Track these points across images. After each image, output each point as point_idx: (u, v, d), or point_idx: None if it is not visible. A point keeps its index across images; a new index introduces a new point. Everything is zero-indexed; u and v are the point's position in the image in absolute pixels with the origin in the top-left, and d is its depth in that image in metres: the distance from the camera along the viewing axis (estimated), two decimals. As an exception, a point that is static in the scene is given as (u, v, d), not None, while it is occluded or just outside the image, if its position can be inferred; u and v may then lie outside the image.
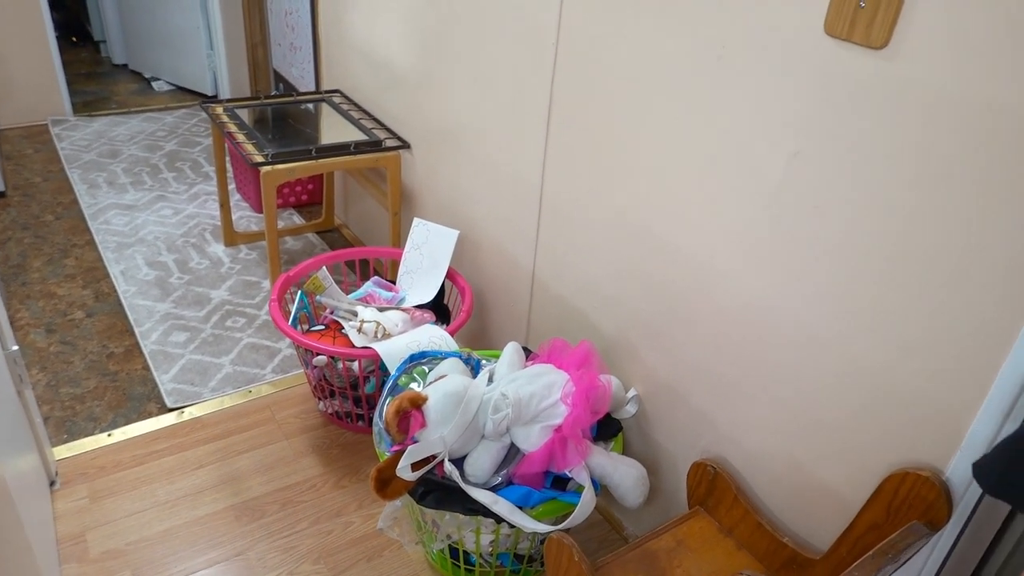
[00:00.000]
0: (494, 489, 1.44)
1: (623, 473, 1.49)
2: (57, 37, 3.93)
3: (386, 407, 1.51)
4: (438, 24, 2.10)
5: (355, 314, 2.01)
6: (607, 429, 1.61)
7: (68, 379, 2.21)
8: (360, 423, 2.05)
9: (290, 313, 2.06)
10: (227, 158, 2.93)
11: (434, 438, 1.42)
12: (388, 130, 2.52)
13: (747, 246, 1.32)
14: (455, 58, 2.06)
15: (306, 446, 2.01)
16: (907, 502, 1.12)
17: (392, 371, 1.72)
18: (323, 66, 3.04)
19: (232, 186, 3.33)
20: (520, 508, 1.41)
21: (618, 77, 1.51)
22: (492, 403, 1.46)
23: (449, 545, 1.57)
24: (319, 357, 1.91)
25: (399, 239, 2.51)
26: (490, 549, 1.55)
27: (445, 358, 1.68)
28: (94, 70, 4.76)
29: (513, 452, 1.49)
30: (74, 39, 5.18)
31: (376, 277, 2.23)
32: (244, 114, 2.62)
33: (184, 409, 2.11)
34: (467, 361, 1.69)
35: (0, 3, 3.65)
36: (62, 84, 3.96)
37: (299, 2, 3.24)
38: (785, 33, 1.17)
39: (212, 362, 2.29)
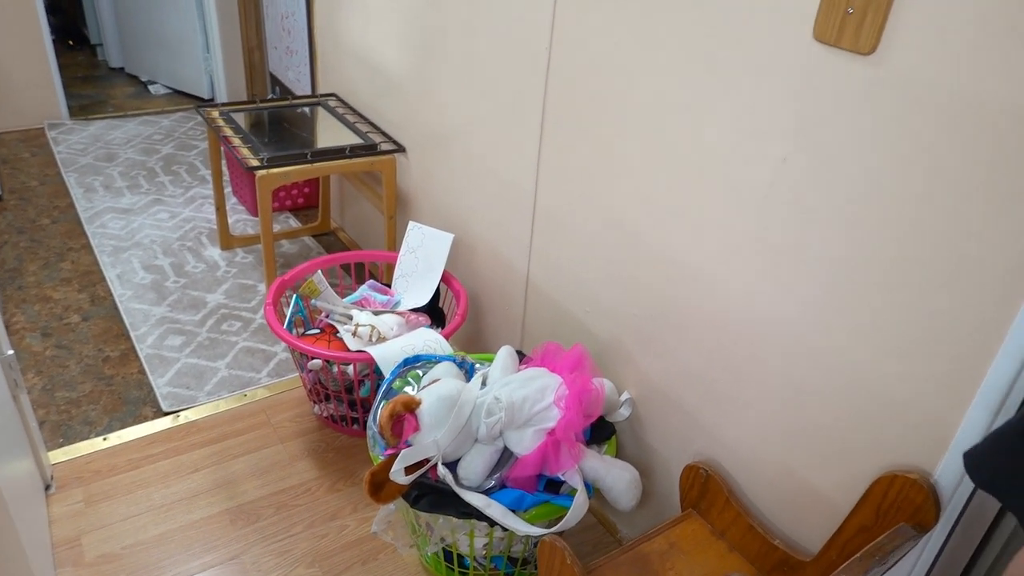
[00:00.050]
0: (487, 492, 1.45)
1: (616, 476, 1.50)
2: (54, 41, 3.94)
3: (380, 411, 1.52)
4: (433, 29, 2.11)
5: (350, 318, 2.01)
6: (600, 432, 1.62)
7: (64, 383, 2.21)
8: (355, 427, 2.06)
9: (285, 317, 2.07)
10: (223, 162, 2.93)
11: (428, 442, 1.43)
12: (383, 134, 2.53)
13: (737, 251, 1.33)
14: (449, 62, 2.06)
15: (301, 450, 2.02)
16: (896, 505, 1.13)
17: (386, 375, 1.73)
18: (319, 70, 3.04)
19: (228, 189, 3.33)
20: (513, 511, 1.41)
21: (610, 83, 1.51)
22: (485, 407, 1.47)
23: (443, 548, 1.58)
24: (314, 361, 1.92)
25: (395, 243, 2.51)
26: (484, 552, 1.55)
27: (439, 362, 1.68)
28: (91, 73, 4.76)
29: (506, 456, 1.50)
30: (71, 43, 5.18)
31: (371, 281, 2.24)
32: (240, 118, 2.63)
33: (179, 413, 2.11)
34: (461, 365, 1.69)
35: (-4, 7, 3.66)
36: (58, 88, 3.96)
37: (295, 6, 3.25)
38: (775, 39, 1.17)
39: (208, 366, 2.29)
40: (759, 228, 1.28)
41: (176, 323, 2.48)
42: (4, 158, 3.58)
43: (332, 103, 2.81)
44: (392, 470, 1.40)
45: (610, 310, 1.68)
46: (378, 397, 1.64)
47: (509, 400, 1.45)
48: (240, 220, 3.15)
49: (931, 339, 1.07)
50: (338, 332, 1.97)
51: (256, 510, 1.83)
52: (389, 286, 2.23)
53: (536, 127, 1.76)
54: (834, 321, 1.20)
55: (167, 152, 3.74)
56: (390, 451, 1.47)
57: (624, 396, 1.67)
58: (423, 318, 2.08)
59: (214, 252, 2.90)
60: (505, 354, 1.62)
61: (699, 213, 1.39)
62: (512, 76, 1.81)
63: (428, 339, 1.89)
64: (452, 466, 1.48)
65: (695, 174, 1.37)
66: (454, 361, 1.69)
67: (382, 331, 1.94)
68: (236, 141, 2.43)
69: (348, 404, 2.01)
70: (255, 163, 2.29)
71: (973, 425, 1.04)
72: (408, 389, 1.64)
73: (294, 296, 2.09)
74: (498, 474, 1.47)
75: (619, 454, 1.71)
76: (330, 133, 2.59)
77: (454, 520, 1.46)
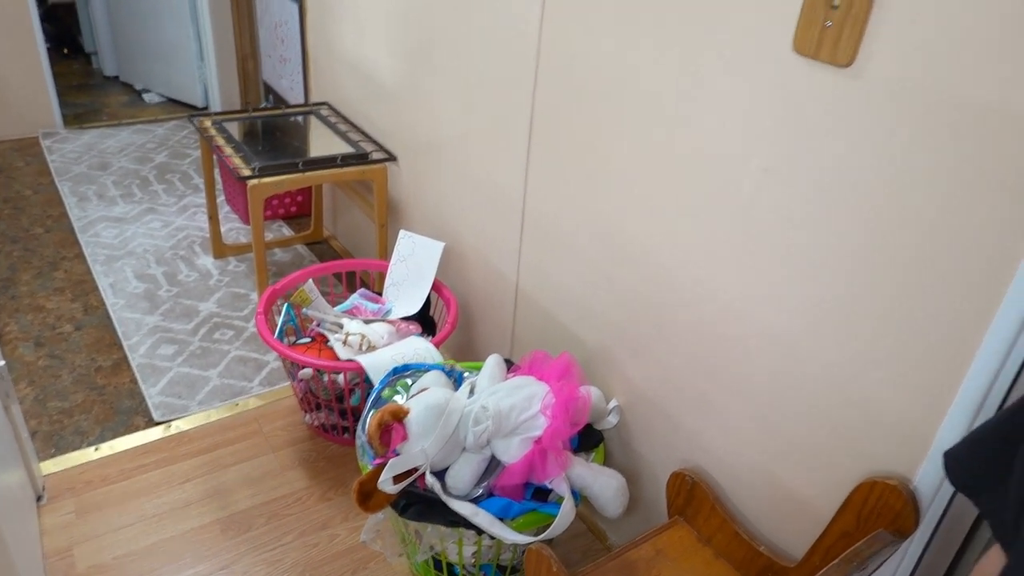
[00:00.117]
0: (475, 501, 1.46)
1: (603, 484, 1.51)
2: (49, 49, 3.95)
3: (369, 420, 1.53)
4: (423, 39, 2.13)
5: (341, 326, 2.02)
6: (588, 440, 1.63)
7: (56, 393, 2.22)
8: (346, 435, 2.07)
9: (277, 326, 2.08)
10: (216, 171, 2.94)
11: (415, 451, 1.44)
12: (375, 142, 2.55)
13: (721, 260, 1.34)
14: (440, 72, 2.08)
15: (292, 459, 2.03)
16: (876, 511, 1.14)
17: (376, 384, 1.74)
18: (312, 79, 3.06)
19: (221, 198, 3.34)
20: (501, 519, 1.42)
21: (597, 95, 1.53)
22: (473, 416, 1.48)
23: (432, 557, 1.59)
24: (304, 370, 1.93)
25: (386, 251, 2.53)
26: (473, 560, 1.56)
27: (428, 371, 1.69)
28: (85, 82, 4.77)
29: (494, 464, 1.51)
30: (66, 51, 5.20)
31: (363, 289, 2.25)
32: (232, 127, 2.64)
33: (171, 423, 2.12)
34: (450, 373, 1.70)
35: (-10, 17, 3.68)
36: (53, 97, 3.98)
37: (288, 15, 3.26)
38: (757, 52, 1.19)
39: (200, 375, 2.30)
40: (742, 238, 1.29)
41: (168, 332, 2.49)
42: (-2, 167, 3.59)
43: (324, 112, 2.83)
44: (380, 479, 1.41)
45: (598, 318, 1.69)
46: (367, 406, 1.65)
47: (496, 409, 1.46)
48: (233, 228, 3.16)
49: (909, 346, 1.08)
50: (329, 341, 1.98)
51: (247, 520, 1.84)
52: (381, 294, 2.24)
53: (524, 137, 1.77)
54: (815, 329, 1.21)
55: (160, 161, 3.75)
56: (379, 460, 1.48)
57: (612, 404, 1.68)
58: (414, 326, 2.09)
59: (207, 261, 2.91)
60: (493, 363, 1.63)
61: (684, 223, 1.40)
62: (500, 86, 1.82)
63: (418, 347, 1.90)
64: (440, 475, 1.49)
65: (681, 184, 1.39)
66: (443, 370, 1.70)
67: (372, 340, 1.95)
68: (228, 150, 2.44)
69: (339, 413, 2.02)
70: (247, 172, 2.30)
71: (951, 431, 1.06)
72: (397, 398, 1.65)
73: (285, 305, 2.10)
74: (486, 483, 1.48)
75: (607, 461, 1.72)
76: (322, 142, 2.60)
77: (442, 529, 1.47)
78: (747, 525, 1.43)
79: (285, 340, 2.06)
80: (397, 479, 1.43)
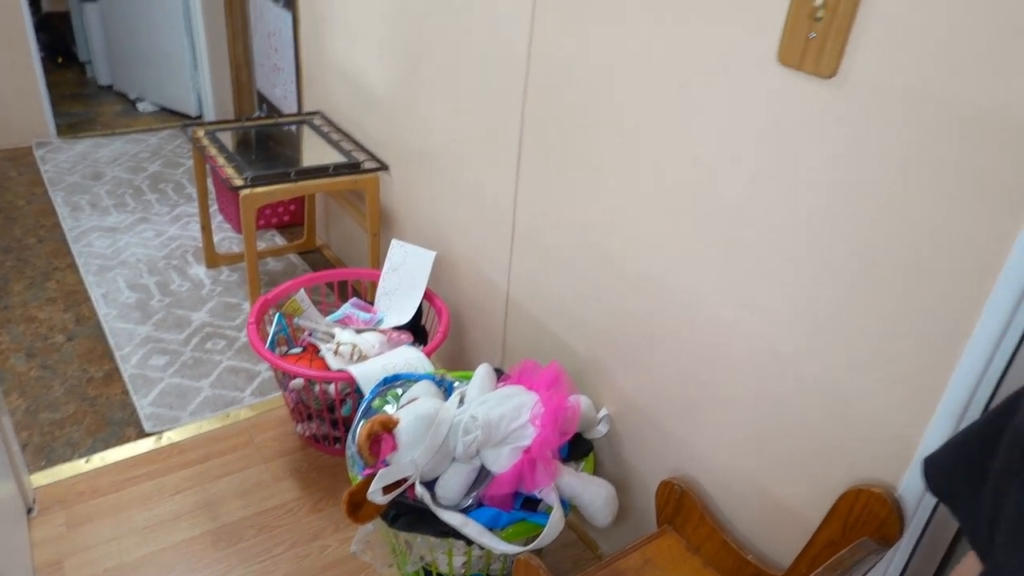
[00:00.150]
0: (465, 511, 1.46)
1: (592, 493, 1.51)
2: (43, 58, 3.95)
3: (359, 431, 1.53)
4: (414, 50, 2.13)
5: (332, 336, 2.02)
6: (578, 449, 1.63)
7: (47, 404, 2.21)
8: (337, 446, 2.07)
9: (268, 335, 2.08)
10: (209, 180, 2.94)
11: (405, 461, 1.44)
12: (367, 152, 2.55)
13: (709, 269, 1.35)
14: (430, 82, 2.09)
15: (284, 470, 2.03)
16: (861, 519, 1.14)
17: (366, 394, 1.74)
18: (304, 88, 3.06)
19: (215, 207, 3.35)
20: (490, 530, 1.43)
21: (586, 106, 1.54)
22: (462, 425, 1.48)
23: (423, 567, 1.59)
24: (295, 380, 1.93)
25: (378, 260, 2.53)
26: (463, 570, 1.56)
27: (418, 380, 1.70)
28: (79, 91, 4.77)
29: (484, 474, 1.51)
30: (60, 60, 5.20)
31: (355, 298, 2.25)
32: (225, 137, 2.64)
33: (162, 434, 2.12)
34: (440, 383, 1.71)
35: (-17, 28, 3.68)
36: (46, 106, 3.98)
37: (281, 24, 3.27)
38: (742, 63, 1.20)
39: (191, 385, 2.30)
40: (729, 248, 1.30)
41: (160, 342, 2.49)
42: (-9, 178, 3.59)
43: (317, 121, 2.83)
44: (370, 490, 1.41)
45: (589, 328, 1.69)
46: (358, 416, 1.66)
47: (486, 418, 1.46)
48: (226, 238, 3.16)
49: (893, 355, 1.09)
50: (320, 351, 1.98)
51: (238, 531, 1.83)
52: (373, 304, 2.24)
53: (514, 148, 1.78)
54: (802, 338, 1.21)
55: (154, 170, 3.76)
56: (368, 471, 1.49)
57: (602, 413, 1.69)
58: (405, 336, 2.09)
59: (199, 270, 2.91)
60: (483, 372, 1.63)
61: (672, 233, 1.41)
62: (490, 98, 1.83)
63: (409, 357, 1.90)
64: (430, 485, 1.49)
65: (668, 195, 1.40)
66: (433, 379, 1.70)
67: (363, 349, 1.95)
68: (221, 160, 2.45)
69: (331, 423, 2.02)
70: (239, 182, 2.30)
71: (935, 439, 1.06)
72: (388, 408, 1.66)
73: (276, 315, 2.10)
74: (475, 492, 1.48)
75: (597, 470, 1.72)
76: (314, 151, 2.61)
77: (432, 539, 1.47)
78: (736, 534, 1.43)
79: (277, 350, 2.06)
80: (387, 489, 1.43)
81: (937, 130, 0.97)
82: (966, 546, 1.14)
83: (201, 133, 2.64)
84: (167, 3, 4.07)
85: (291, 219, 3.34)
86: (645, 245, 1.47)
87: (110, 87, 4.81)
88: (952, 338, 1.02)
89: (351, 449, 1.57)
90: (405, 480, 1.45)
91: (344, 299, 2.27)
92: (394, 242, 2.23)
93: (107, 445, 2.08)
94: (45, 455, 2.03)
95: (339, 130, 2.74)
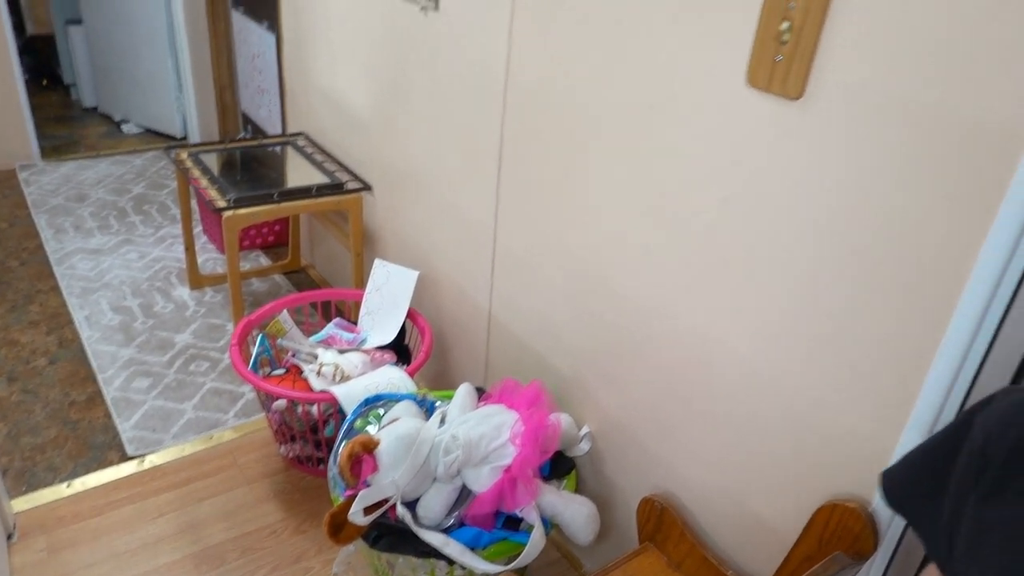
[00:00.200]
0: (446, 531, 1.46)
1: (574, 511, 1.52)
2: (27, 81, 3.95)
3: (340, 452, 1.54)
4: (394, 72, 2.16)
5: (316, 357, 2.03)
6: (560, 467, 1.64)
7: (29, 428, 2.20)
8: (321, 467, 2.06)
9: (251, 357, 2.08)
10: (193, 201, 2.95)
11: (386, 482, 1.44)
12: (350, 172, 2.57)
13: (686, 289, 1.37)
14: (411, 104, 2.11)
15: (267, 491, 2.02)
16: (836, 534, 1.15)
17: (348, 414, 1.74)
18: (288, 109, 3.08)
19: (199, 228, 3.35)
20: (472, 549, 1.43)
21: (563, 127, 1.56)
22: (443, 445, 1.48)
23: (406, 588, 1.58)
24: (278, 401, 1.93)
25: (362, 280, 2.54)
26: (446, 591, 1.56)
27: (400, 400, 1.70)
28: (64, 113, 4.78)
29: (466, 493, 1.52)
30: (44, 83, 5.20)
31: (338, 319, 2.26)
32: (208, 159, 2.65)
33: (145, 457, 2.11)
34: (421, 403, 1.71)
35: (-34, 51, 3.68)
36: (30, 129, 3.97)
37: (265, 46, 3.29)
38: (713, 86, 1.22)
39: (174, 408, 2.29)
40: (704, 266, 1.32)
41: (144, 364, 2.48)
42: (-26, 201, 3.58)
43: (301, 142, 2.85)
44: (351, 511, 1.41)
45: (570, 346, 1.71)
46: (339, 437, 1.66)
47: (466, 438, 1.47)
48: (210, 259, 3.16)
49: (865, 370, 1.11)
50: (303, 372, 1.99)
51: (221, 554, 1.82)
52: (356, 323, 2.25)
53: (494, 168, 1.80)
54: (777, 356, 1.23)
55: (138, 192, 3.76)
56: (350, 492, 1.49)
57: (584, 431, 1.69)
58: (388, 356, 2.09)
59: (183, 292, 2.91)
60: (464, 392, 1.64)
61: (650, 252, 1.43)
62: (470, 120, 1.85)
63: (392, 377, 1.90)
64: (412, 505, 1.49)
65: (645, 214, 1.41)
66: (414, 399, 1.71)
67: (346, 370, 1.95)
68: (204, 182, 2.46)
69: (314, 444, 2.01)
70: (222, 204, 2.31)
71: (906, 452, 1.07)
72: (370, 428, 1.66)
73: (260, 336, 2.10)
74: (457, 512, 1.49)
75: (580, 488, 1.73)
76: (298, 172, 2.62)
77: (414, 560, 1.47)
78: (716, 550, 1.44)
79: (260, 371, 2.06)
80: (368, 510, 1.43)
81: (901, 147, 0.99)
82: (939, 559, 1.15)
83: (184, 155, 2.65)
84: (151, 25, 4.09)
85: (276, 239, 3.35)
86: (625, 264, 1.49)
87: (95, 109, 4.81)
88: (920, 355, 1.03)
89: (333, 470, 1.57)
90: (386, 501, 1.45)
91: (328, 319, 2.27)
92: (377, 262, 2.24)
93: (89, 469, 2.07)
94: (26, 480, 2.02)
95: (323, 151, 2.75)
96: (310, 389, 1.92)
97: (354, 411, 1.72)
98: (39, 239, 3.25)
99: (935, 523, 0.65)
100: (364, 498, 1.41)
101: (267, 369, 2.09)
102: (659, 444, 1.52)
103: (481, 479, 1.47)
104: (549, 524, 1.51)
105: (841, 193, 1.08)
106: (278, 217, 2.51)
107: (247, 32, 3.52)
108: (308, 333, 2.22)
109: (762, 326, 1.24)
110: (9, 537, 1.84)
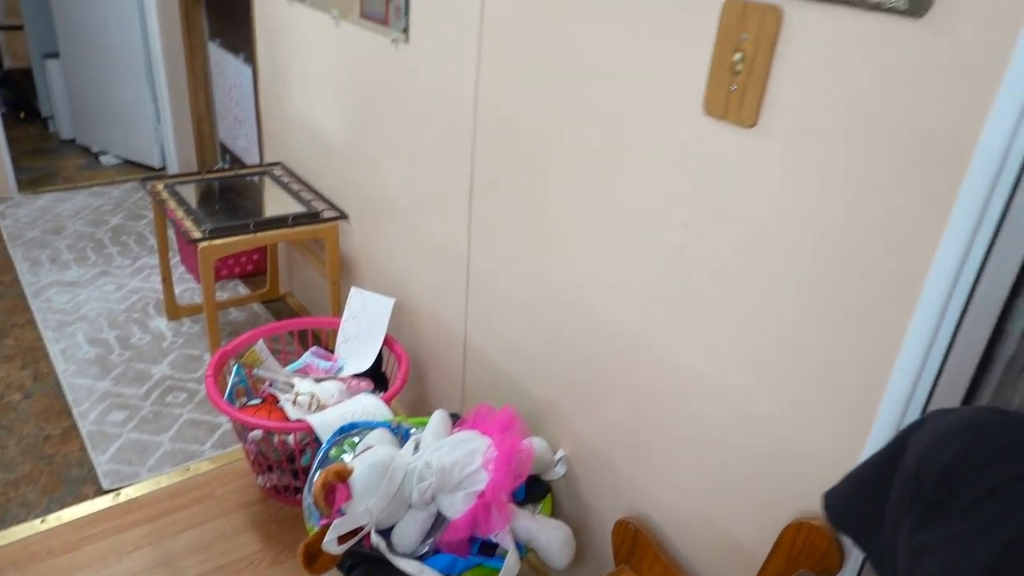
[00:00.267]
0: (421, 558, 1.46)
1: (549, 535, 1.52)
2: (4, 114, 3.96)
3: (314, 481, 1.54)
4: (367, 103, 2.18)
5: (292, 386, 2.03)
6: (535, 491, 1.64)
7: (2, 464, 2.18)
8: (299, 496, 2.06)
9: (227, 387, 2.08)
10: (172, 231, 2.95)
11: (360, 510, 1.45)
12: (327, 201, 2.58)
13: (654, 312, 1.39)
14: (385, 134, 2.13)
15: (245, 522, 2.01)
16: (804, 552, 1.17)
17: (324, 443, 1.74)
18: (265, 139, 3.10)
19: (177, 259, 3.35)
20: (447, 576, 1.43)
21: (530, 154, 1.59)
22: (417, 472, 1.49)
23: (382, 617, 1.58)
24: (254, 431, 1.92)
25: (339, 308, 2.54)
26: (422, 619, 1.56)
27: (374, 428, 1.71)
28: (41, 146, 4.77)
29: (441, 520, 1.52)
30: (22, 115, 5.20)
31: (315, 347, 2.26)
32: (185, 190, 2.66)
33: (120, 490, 2.09)
34: (396, 430, 1.72)
35: (-58, 86, 3.68)
36: (7, 162, 3.96)
37: (242, 78, 3.32)
38: (672, 115, 1.26)
39: (151, 440, 2.28)
40: (670, 290, 1.34)
41: (120, 397, 2.47)
42: (-51, 235, 3.56)
43: (278, 172, 2.86)
44: (325, 540, 1.41)
45: (544, 371, 1.72)
46: (314, 466, 1.66)
47: (440, 465, 1.48)
48: (188, 289, 3.16)
49: (826, 389, 1.13)
50: (279, 401, 1.99)
51: (197, 586, 1.81)
52: (334, 352, 2.25)
53: (466, 196, 1.82)
54: (742, 376, 1.25)
55: (116, 223, 3.75)
56: (325, 521, 1.49)
57: (559, 455, 1.71)
58: (365, 383, 2.10)
59: (160, 323, 2.90)
60: (438, 418, 1.65)
61: (619, 276, 1.45)
62: (441, 149, 1.88)
63: (368, 405, 1.91)
64: (387, 533, 1.49)
65: (613, 239, 1.44)
66: (388, 427, 1.71)
67: (322, 399, 1.95)
68: (180, 213, 2.46)
69: (291, 474, 2.01)
70: (197, 235, 2.32)
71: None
72: (345, 457, 1.66)
73: (235, 366, 2.10)
74: (432, 539, 1.49)
75: (556, 512, 1.74)
76: (275, 202, 2.64)
77: (389, 588, 1.47)
78: (690, 570, 1.45)
79: (236, 402, 2.06)
80: (342, 539, 1.43)
81: (852, 169, 1.02)
82: None
83: (160, 186, 2.66)
84: (129, 58, 4.11)
85: (255, 268, 3.35)
86: (594, 288, 1.51)
87: (73, 141, 4.81)
88: (877, 372, 1.06)
89: (308, 500, 1.58)
90: (361, 529, 1.45)
91: (306, 348, 2.28)
92: (353, 290, 2.26)
93: (63, 504, 2.05)
94: (-1, 517, 2.00)
95: (300, 180, 2.77)
96: (286, 418, 1.92)
97: (329, 440, 1.72)
98: (14, 272, 3.24)
99: (878, 545, 0.67)
100: (338, 527, 1.42)
101: (243, 399, 2.09)
102: (632, 467, 1.54)
103: (456, 505, 1.48)
104: (524, 548, 1.51)
105: (796, 217, 1.11)
106: (254, 247, 2.52)
107: (224, 64, 3.55)
108: (286, 362, 2.22)
109: (725, 349, 1.27)
110: (-19, 575, 1.82)
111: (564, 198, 1.53)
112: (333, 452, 1.68)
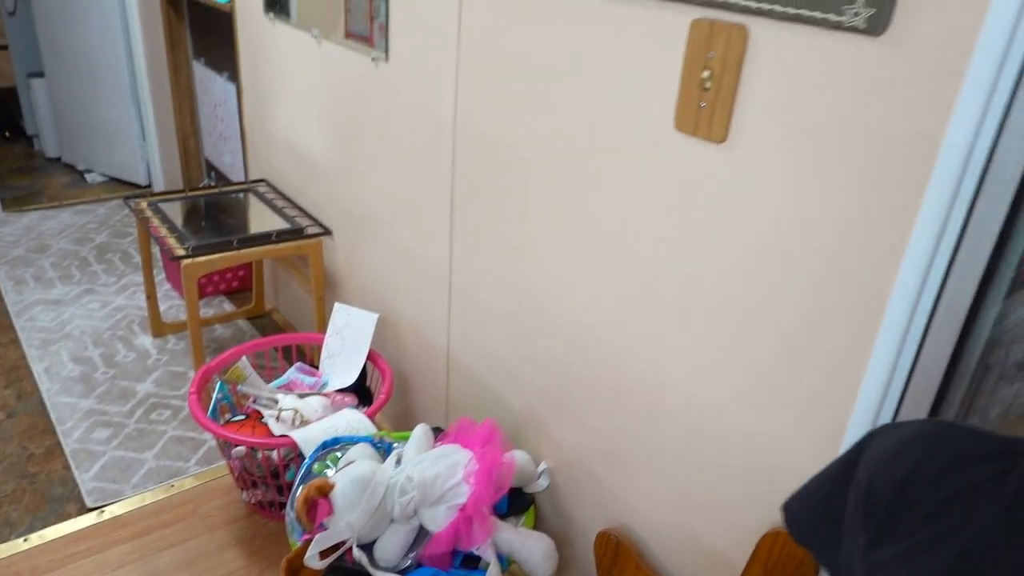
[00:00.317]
0: (403, 572, 1.47)
1: (531, 548, 1.53)
2: (-13, 134, 3.96)
3: (296, 496, 1.54)
4: (349, 120, 2.21)
5: (276, 402, 2.03)
6: (518, 504, 1.65)
7: (-15, 484, 2.17)
8: (284, 512, 2.05)
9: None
10: (157, 249, 2.96)
11: (341, 525, 1.45)
12: (311, 217, 2.60)
13: (632, 325, 1.41)
14: (367, 150, 2.15)
15: (229, 538, 2.01)
16: (781, 560, 1.19)
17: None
18: (250, 156, 3.11)
19: (162, 276, 3.35)
20: (429, 590, 1.44)
21: (508, 170, 1.61)
22: (399, 486, 1.50)
23: (366, 631, 1.58)
24: (237, 448, 1.93)
25: (324, 323, 2.55)
26: (406, 633, 1.56)
27: (357, 443, 1.71)
28: (26, 164, 4.77)
29: (423, 534, 1.53)
30: (7, 134, 5.19)
31: (299, 363, 2.27)
32: (168, 207, 2.67)
33: (104, 508, 2.09)
34: (378, 445, 1.72)
35: (-74, 105, 3.68)
36: (-9, 181, 3.97)
37: (227, 95, 3.34)
38: (644, 131, 1.28)
39: (135, 457, 2.28)
40: (647, 303, 1.36)
41: (104, 415, 2.46)
42: (-68, 254, 3.55)
43: (262, 189, 2.88)
44: (307, 555, 1.42)
45: (526, 384, 1.74)
46: (297, 481, 1.66)
47: (421, 478, 1.48)
48: (173, 306, 3.16)
49: (800, 399, 1.15)
50: (263, 417, 1.99)
51: (181, 604, 1.81)
52: (318, 367, 2.26)
53: (447, 211, 1.84)
54: (717, 387, 1.27)
55: (101, 240, 3.75)
56: (307, 536, 1.49)
57: (541, 467, 1.72)
58: (349, 398, 2.11)
59: (145, 340, 2.90)
60: (420, 432, 1.66)
61: (596, 290, 1.47)
62: (422, 164, 1.90)
63: (351, 419, 1.92)
64: (369, 547, 1.50)
65: (591, 252, 1.46)
66: (371, 442, 1.72)
67: (305, 414, 1.96)
68: (163, 231, 2.47)
69: (275, 489, 2.01)
70: (181, 252, 2.32)
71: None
72: (328, 472, 1.67)
73: (219, 383, 2.10)
74: (414, 552, 1.50)
75: (540, 524, 1.75)
76: (259, 219, 2.65)
77: (372, 602, 1.47)
78: (670, 581, 1.46)
79: (220, 418, 2.06)
80: (324, 554, 1.44)
81: (821, 181, 1.05)
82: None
83: (144, 204, 2.67)
84: (113, 77, 4.12)
85: (240, 285, 3.35)
86: (573, 302, 1.53)
87: (58, 159, 4.81)
88: (848, 380, 1.08)
89: (290, 515, 1.58)
90: (343, 544, 1.46)
91: (291, 363, 2.28)
92: (337, 305, 2.27)
93: (47, 523, 2.04)
94: (-19, 537, 1.99)
95: (284, 197, 2.78)
96: (270, 434, 1.92)
97: (311, 455, 1.72)
98: (-2, 291, 3.23)
99: (837, 559, 0.67)
100: (319, 542, 1.42)
101: (227, 415, 2.09)
102: (613, 478, 1.55)
103: (437, 519, 1.48)
104: (506, 561, 1.52)
105: (766, 231, 1.13)
106: (238, 264, 2.53)
107: (208, 82, 3.57)
108: (271, 378, 2.23)
109: (700, 361, 1.28)
110: (-38, 596, 1.81)
111: (542, 212, 1.55)
112: (316, 467, 1.69)
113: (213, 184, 3.68)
